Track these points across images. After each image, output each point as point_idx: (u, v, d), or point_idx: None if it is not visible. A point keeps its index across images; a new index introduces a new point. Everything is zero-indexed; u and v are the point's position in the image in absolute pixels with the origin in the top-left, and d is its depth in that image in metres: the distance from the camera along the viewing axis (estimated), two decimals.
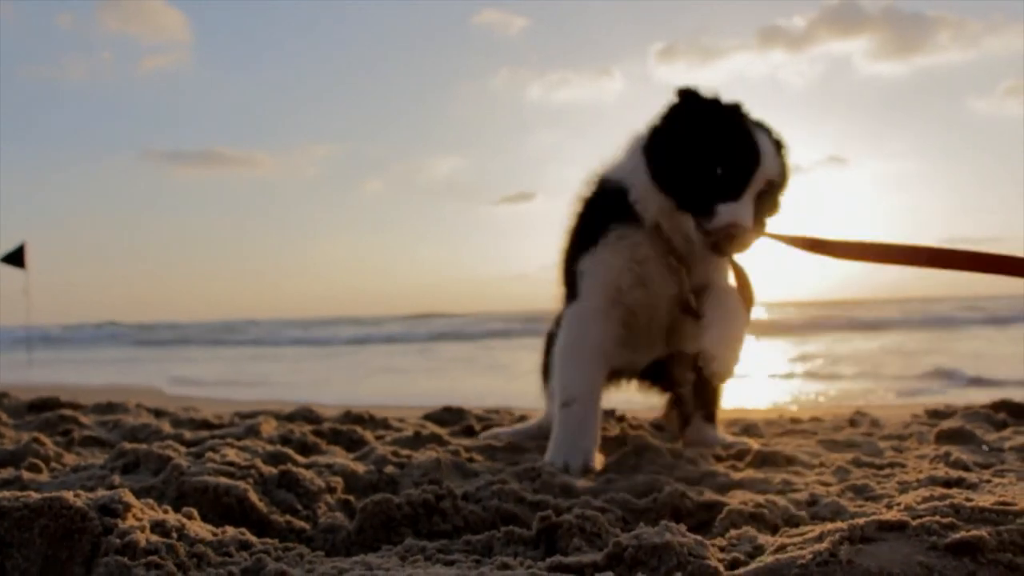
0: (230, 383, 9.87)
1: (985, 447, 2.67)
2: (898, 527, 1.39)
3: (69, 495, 1.51)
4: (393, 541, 1.77)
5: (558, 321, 3.02)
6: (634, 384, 3.19)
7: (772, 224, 2.57)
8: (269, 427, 3.17)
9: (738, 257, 2.65)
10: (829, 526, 1.47)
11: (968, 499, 1.53)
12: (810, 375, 8.82)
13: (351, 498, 2.11)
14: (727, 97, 2.55)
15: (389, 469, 2.32)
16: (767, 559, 1.36)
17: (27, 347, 16.52)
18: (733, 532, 1.61)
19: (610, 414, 3.63)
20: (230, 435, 2.95)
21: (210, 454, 2.27)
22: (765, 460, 2.56)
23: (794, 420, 3.82)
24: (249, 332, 30.09)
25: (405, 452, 2.59)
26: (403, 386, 9.15)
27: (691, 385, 3.06)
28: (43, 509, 1.46)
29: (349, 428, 3.12)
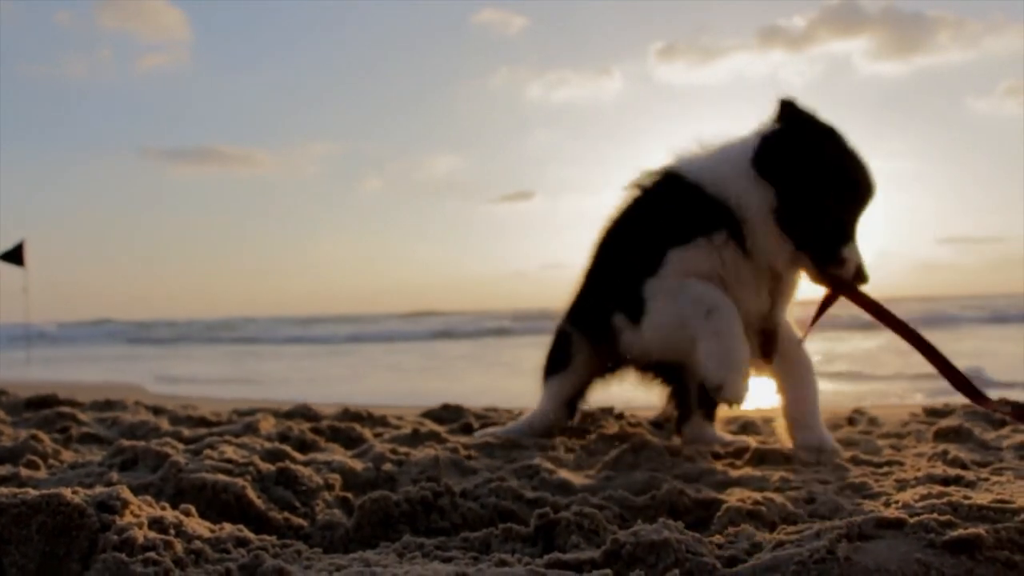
0: (219, 382, 9.82)
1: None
2: (896, 525, 1.39)
3: (67, 492, 1.51)
4: (391, 538, 1.77)
5: (571, 316, 3.03)
6: (636, 375, 3.15)
7: None
8: (267, 425, 3.16)
9: None
10: (827, 524, 1.48)
11: (966, 497, 1.54)
12: None
13: (349, 495, 2.11)
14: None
15: (387, 467, 2.32)
16: (765, 556, 1.36)
17: (26, 345, 16.51)
18: (731, 529, 1.61)
19: (608, 412, 3.63)
20: (228, 432, 2.95)
21: (208, 451, 2.27)
22: (763, 458, 2.56)
23: None
24: (246, 330, 30.06)
25: (403, 450, 2.58)
26: (401, 385, 9.15)
27: (698, 384, 3.05)
28: (41, 506, 1.46)
29: (347, 426, 3.12)
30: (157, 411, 3.96)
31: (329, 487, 2.13)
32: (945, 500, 1.50)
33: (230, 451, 2.32)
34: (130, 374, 11.10)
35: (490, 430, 3.21)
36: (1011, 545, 1.30)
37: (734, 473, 2.32)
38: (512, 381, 8.83)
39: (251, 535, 1.67)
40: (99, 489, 1.61)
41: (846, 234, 2.45)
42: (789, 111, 2.49)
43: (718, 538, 1.56)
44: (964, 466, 2.26)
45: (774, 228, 2.47)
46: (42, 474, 2.28)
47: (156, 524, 1.55)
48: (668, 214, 2.65)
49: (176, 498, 1.91)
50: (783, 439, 2.71)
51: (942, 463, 2.31)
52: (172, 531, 1.55)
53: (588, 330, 3.02)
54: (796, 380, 2.66)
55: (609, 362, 3.02)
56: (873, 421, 3.62)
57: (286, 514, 1.94)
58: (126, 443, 2.38)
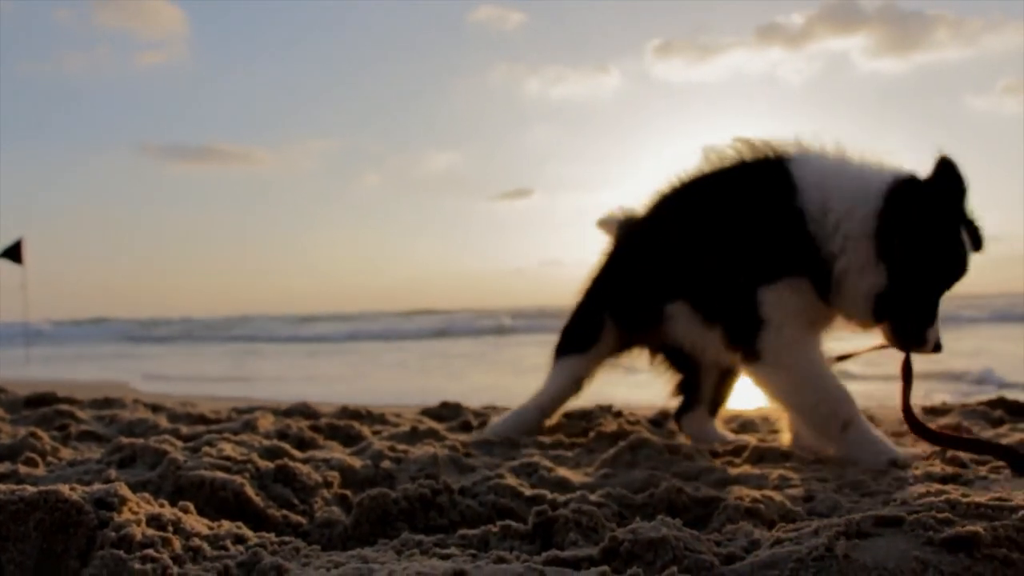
0: (207, 380, 9.78)
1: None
2: (894, 522, 1.39)
3: (65, 488, 1.51)
4: (389, 535, 1.77)
5: (602, 296, 3.06)
6: (649, 354, 3.12)
7: None
8: (266, 422, 3.16)
9: None
10: (825, 521, 1.48)
11: (964, 495, 1.54)
12: None
13: (348, 493, 2.11)
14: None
15: (386, 464, 2.32)
16: (763, 554, 1.36)
17: (25, 343, 16.50)
18: (729, 527, 1.61)
19: (607, 409, 3.63)
20: (227, 430, 2.95)
21: (206, 449, 2.27)
22: (762, 456, 2.56)
23: None
24: (244, 328, 30.00)
25: (402, 447, 2.58)
26: (400, 383, 9.15)
27: (714, 380, 3.02)
28: (39, 502, 1.46)
29: (346, 423, 3.12)
30: (156, 409, 3.96)
31: (328, 484, 2.13)
32: (943, 498, 1.50)
33: (229, 448, 2.32)
34: (120, 372, 11.04)
35: (496, 420, 3.20)
36: (1009, 543, 1.30)
37: (733, 471, 2.32)
38: (511, 379, 8.83)
39: (249, 532, 1.67)
40: (97, 486, 1.61)
41: (934, 315, 2.38)
42: (945, 174, 2.29)
43: (717, 536, 1.56)
44: (962, 464, 2.26)
45: (864, 301, 2.38)
46: (40, 471, 2.28)
47: (154, 521, 1.55)
48: (762, 232, 2.48)
49: (174, 495, 1.91)
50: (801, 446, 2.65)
51: (940, 461, 2.32)
52: (170, 528, 1.55)
53: (623, 312, 2.98)
54: None
55: (635, 345, 2.99)
56: (872, 420, 3.62)
57: (284, 511, 1.94)
58: (125, 440, 2.38)
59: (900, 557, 1.27)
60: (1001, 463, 2.14)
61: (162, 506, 1.66)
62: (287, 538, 1.71)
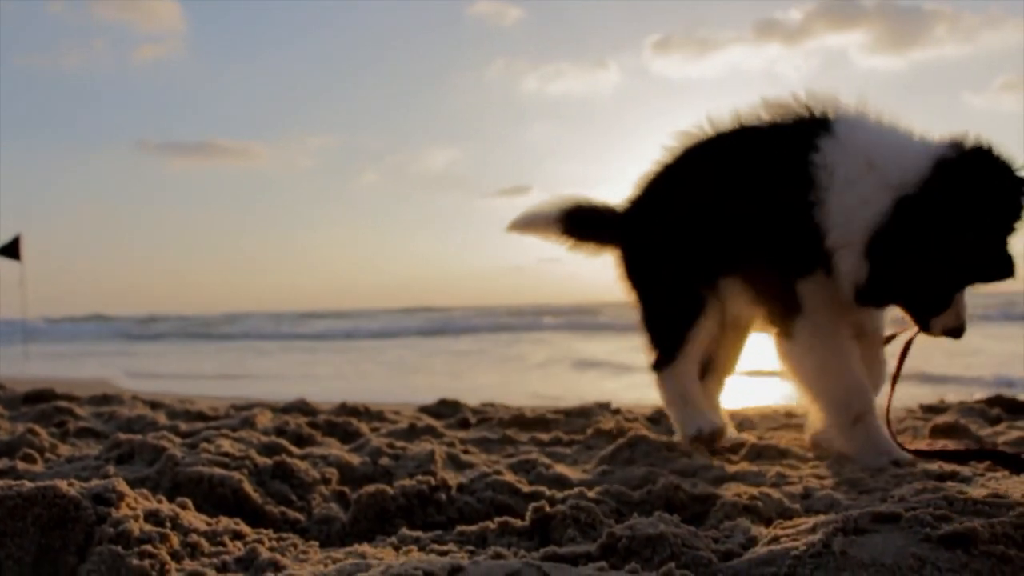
0: (193, 377, 9.77)
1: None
2: (891, 519, 1.39)
3: (63, 484, 1.50)
4: (387, 532, 1.77)
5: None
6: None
7: None
8: (264, 419, 3.16)
9: None
10: (823, 518, 1.48)
11: (961, 492, 1.54)
12: None
13: (346, 489, 2.11)
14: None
15: (384, 461, 2.32)
16: (761, 550, 1.36)
17: (23, 339, 16.49)
18: (727, 524, 1.61)
19: (605, 407, 3.64)
20: (225, 427, 2.95)
21: (205, 445, 2.27)
22: (760, 453, 2.56)
23: (789, 414, 3.82)
24: (242, 326, 30.00)
25: (400, 444, 2.59)
26: (398, 381, 9.15)
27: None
28: (36, 498, 1.46)
29: (344, 420, 3.12)
30: (154, 405, 3.96)
31: (326, 481, 2.13)
32: (941, 495, 1.50)
33: (227, 445, 2.32)
34: (109, 369, 11.00)
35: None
36: (1006, 539, 1.30)
37: (730, 468, 2.32)
38: (510, 376, 8.84)
39: (247, 528, 1.67)
40: (95, 482, 1.61)
41: (952, 296, 2.25)
42: (980, 164, 2.13)
43: (714, 532, 1.56)
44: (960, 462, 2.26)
45: (875, 286, 2.25)
46: (39, 468, 2.28)
47: (152, 517, 1.55)
48: (796, 218, 2.31)
49: (173, 491, 1.91)
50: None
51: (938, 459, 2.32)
52: (168, 524, 1.55)
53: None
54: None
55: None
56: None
57: (282, 508, 1.95)
58: (123, 437, 2.38)
59: (897, 553, 1.27)
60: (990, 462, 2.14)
61: (160, 502, 1.66)
62: (285, 534, 1.71)
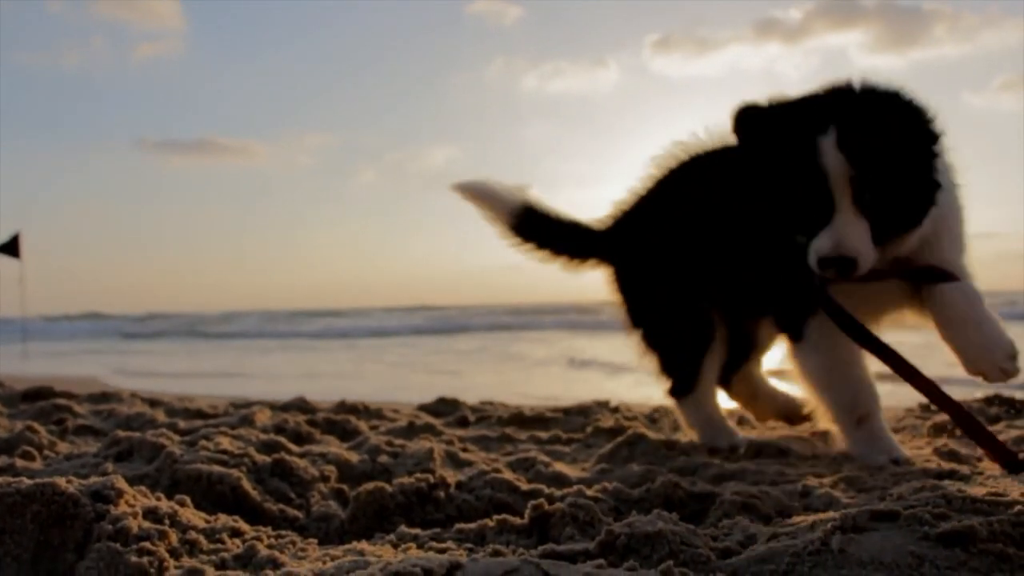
0: (181, 376, 9.74)
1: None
2: (890, 517, 1.39)
3: (61, 481, 1.50)
4: (386, 530, 1.77)
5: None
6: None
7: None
8: (263, 417, 3.16)
9: None
10: (821, 516, 1.48)
11: (960, 490, 1.54)
12: None
13: (345, 487, 2.11)
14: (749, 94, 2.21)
15: (383, 458, 2.32)
16: (759, 548, 1.36)
17: (22, 337, 16.48)
18: (726, 522, 1.61)
19: (604, 405, 3.64)
20: (224, 424, 2.95)
21: (204, 443, 2.27)
22: (759, 451, 2.56)
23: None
24: (241, 324, 30.00)
25: (399, 442, 2.59)
26: (397, 379, 9.15)
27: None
28: (35, 495, 1.46)
29: (343, 418, 3.12)
30: (153, 403, 3.96)
31: (324, 479, 2.13)
32: (939, 493, 1.50)
33: (226, 442, 2.32)
34: (99, 368, 10.96)
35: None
36: (1004, 538, 1.30)
37: (729, 467, 2.32)
38: (509, 375, 8.84)
39: (246, 526, 1.67)
40: (94, 479, 1.61)
41: (815, 220, 2.11)
42: (737, 118, 2.22)
43: (713, 530, 1.56)
44: (958, 460, 2.26)
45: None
46: (38, 465, 2.28)
47: (151, 514, 1.55)
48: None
49: (171, 489, 1.91)
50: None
51: (937, 457, 2.32)
52: (167, 521, 1.55)
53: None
54: (951, 306, 2.24)
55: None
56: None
57: (281, 505, 1.95)
58: (122, 434, 2.38)
59: (896, 551, 1.27)
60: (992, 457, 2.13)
61: (159, 499, 1.66)
62: (283, 532, 1.71)
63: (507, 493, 1.98)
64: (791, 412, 2.90)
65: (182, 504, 1.69)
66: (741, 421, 3.43)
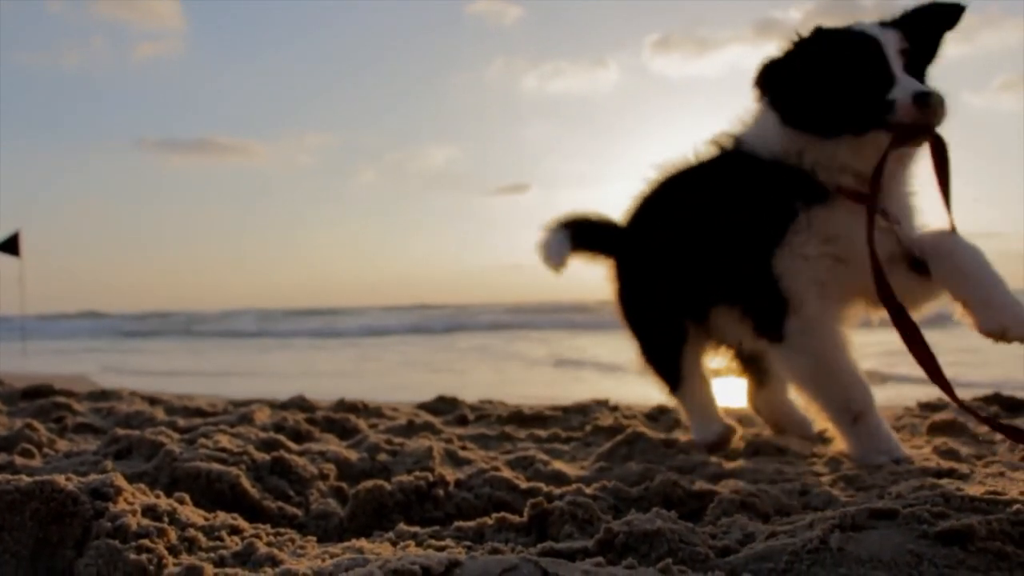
0: (171, 375, 9.70)
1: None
2: (889, 515, 1.39)
3: (60, 478, 1.50)
4: (385, 528, 1.78)
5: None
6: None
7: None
8: (263, 415, 3.16)
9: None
10: (820, 514, 1.48)
11: (959, 489, 1.54)
12: None
13: (344, 485, 2.11)
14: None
15: (382, 457, 2.32)
16: (758, 546, 1.36)
17: (22, 335, 16.47)
18: (724, 520, 1.61)
19: (603, 404, 3.64)
20: (223, 422, 2.95)
21: (203, 440, 2.27)
22: (757, 450, 2.57)
23: None
24: (239, 322, 29.98)
25: (398, 440, 2.59)
26: (396, 378, 9.15)
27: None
28: (34, 492, 1.46)
29: (342, 416, 3.12)
30: (153, 401, 3.96)
31: (324, 477, 2.13)
32: (938, 492, 1.50)
33: (225, 440, 2.32)
34: (90, 366, 10.92)
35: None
36: (1003, 536, 1.30)
37: (728, 465, 2.32)
38: (508, 373, 8.84)
39: (245, 524, 1.67)
40: (93, 476, 1.61)
41: (881, 87, 2.19)
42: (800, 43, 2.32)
43: (711, 528, 1.56)
44: (957, 459, 2.27)
45: (810, 140, 2.30)
46: (37, 462, 2.28)
47: (150, 512, 1.55)
48: (746, 210, 2.42)
49: (170, 487, 1.91)
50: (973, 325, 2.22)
51: (936, 456, 2.32)
52: (166, 519, 1.55)
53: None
54: (961, 261, 2.21)
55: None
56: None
57: (280, 503, 1.95)
58: (121, 432, 2.38)
59: (894, 550, 1.28)
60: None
61: (158, 497, 1.66)
62: (282, 529, 1.71)
63: (506, 491, 1.98)
64: (805, 431, 2.88)
65: (181, 502, 1.69)
66: (740, 421, 3.44)
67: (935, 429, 2.82)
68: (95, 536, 1.43)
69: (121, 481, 1.58)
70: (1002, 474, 1.95)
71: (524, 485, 2.01)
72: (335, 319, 30.32)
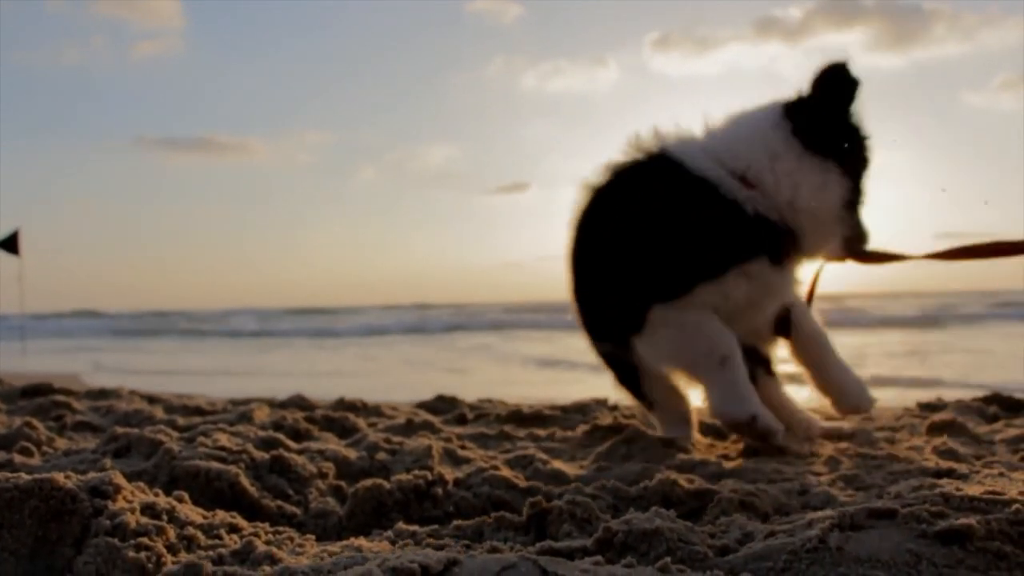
0: (161, 373, 9.70)
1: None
2: (888, 515, 1.39)
3: (59, 476, 1.50)
4: (384, 526, 1.78)
5: None
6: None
7: None
8: (262, 414, 3.16)
9: None
10: (819, 514, 1.48)
11: (958, 489, 1.54)
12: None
13: (343, 484, 2.11)
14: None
15: (381, 455, 2.32)
16: (757, 546, 1.36)
17: (21, 334, 16.47)
18: (723, 519, 1.61)
19: (602, 403, 3.64)
20: (222, 421, 2.95)
21: (202, 439, 2.27)
22: (756, 450, 2.57)
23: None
24: (235, 322, 29.97)
25: (397, 439, 2.58)
26: (395, 376, 9.15)
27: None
28: (33, 490, 1.46)
29: (342, 415, 3.11)
30: (152, 400, 3.96)
31: (322, 475, 2.13)
32: (937, 491, 1.50)
33: (224, 439, 2.31)
34: (82, 365, 10.89)
35: None
36: (1002, 536, 1.30)
37: (727, 464, 2.32)
38: (507, 372, 8.84)
39: (244, 522, 1.67)
40: (92, 474, 1.61)
41: (858, 199, 2.38)
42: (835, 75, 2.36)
43: (710, 528, 1.56)
44: (957, 459, 2.26)
45: (834, 217, 2.36)
46: (36, 461, 2.28)
47: (149, 510, 1.55)
48: (676, 231, 2.34)
49: (169, 485, 1.91)
50: (823, 406, 2.62)
51: (935, 456, 2.32)
52: (165, 517, 1.55)
53: None
54: (816, 348, 2.57)
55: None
56: (867, 415, 3.62)
57: (279, 502, 1.95)
58: (120, 430, 2.38)
59: (893, 549, 1.28)
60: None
61: (157, 495, 1.66)
62: (281, 528, 1.71)
63: (505, 490, 1.98)
64: (808, 431, 2.87)
65: (180, 500, 1.69)
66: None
67: (934, 429, 2.82)
68: (94, 534, 1.43)
69: (120, 479, 1.58)
70: (1001, 474, 1.95)
71: (523, 484, 2.01)
72: (334, 318, 30.35)
